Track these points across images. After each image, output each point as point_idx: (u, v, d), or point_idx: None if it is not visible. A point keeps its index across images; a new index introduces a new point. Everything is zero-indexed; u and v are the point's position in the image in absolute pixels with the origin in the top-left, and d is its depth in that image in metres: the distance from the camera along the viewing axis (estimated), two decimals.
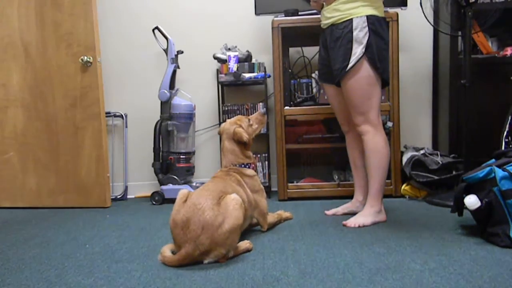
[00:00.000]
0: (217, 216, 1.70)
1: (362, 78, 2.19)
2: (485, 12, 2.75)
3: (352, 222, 2.23)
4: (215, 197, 1.78)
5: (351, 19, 2.16)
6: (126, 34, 3.45)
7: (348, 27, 2.17)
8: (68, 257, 1.90)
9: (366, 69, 2.18)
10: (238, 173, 2.11)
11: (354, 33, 2.15)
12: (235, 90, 3.41)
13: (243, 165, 2.16)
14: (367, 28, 2.14)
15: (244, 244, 1.88)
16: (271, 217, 2.26)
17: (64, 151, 3.10)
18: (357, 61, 2.16)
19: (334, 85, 2.34)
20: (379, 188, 2.27)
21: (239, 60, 3.14)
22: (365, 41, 2.14)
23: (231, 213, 1.72)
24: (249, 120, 2.23)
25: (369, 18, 2.15)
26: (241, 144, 2.16)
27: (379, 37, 2.18)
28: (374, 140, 2.24)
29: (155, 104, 3.22)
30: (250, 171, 2.17)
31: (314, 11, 2.95)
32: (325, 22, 2.31)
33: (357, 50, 2.15)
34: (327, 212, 2.53)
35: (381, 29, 2.20)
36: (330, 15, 2.25)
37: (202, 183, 2.67)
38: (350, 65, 2.17)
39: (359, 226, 2.20)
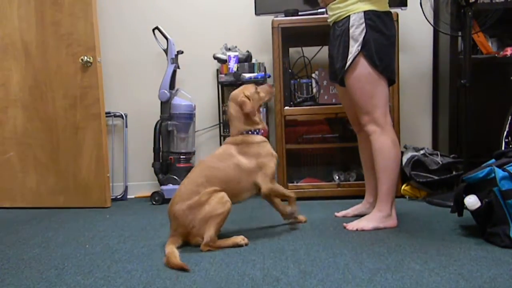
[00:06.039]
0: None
1: (362, 76, 2.12)
2: (485, 12, 2.75)
3: (352, 225, 2.17)
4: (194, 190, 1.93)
5: (349, 16, 2.12)
6: (126, 34, 3.45)
7: (345, 25, 2.12)
8: (68, 257, 1.90)
9: (364, 67, 2.11)
10: (244, 142, 2.07)
11: (351, 30, 2.10)
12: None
13: (251, 132, 2.11)
14: (364, 25, 2.08)
15: (236, 238, 1.94)
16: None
17: (64, 151, 3.10)
18: (354, 59, 2.10)
19: None
20: (387, 191, 2.16)
21: (239, 60, 3.14)
22: (361, 38, 2.08)
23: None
24: (256, 88, 2.16)
25: (367, 13, 2.08)
26: (246, 113, 2.09)
27: (379, 33, 2.10)
28: (380, 141, 2.14)
29: (155, 104, 3.22)
30: (258, 138, 2.10)
31: (314, 11, 2.97)
32: (329, 20, 2.28)
33: (353, 48, 2.10)
34: (337, 214, 2.46)
35: (381, 25, 2.11)
36: (332, 13, 2.22)
37: None
38: (347, 64, 2.12)
39: (357, 230, 2.13)
